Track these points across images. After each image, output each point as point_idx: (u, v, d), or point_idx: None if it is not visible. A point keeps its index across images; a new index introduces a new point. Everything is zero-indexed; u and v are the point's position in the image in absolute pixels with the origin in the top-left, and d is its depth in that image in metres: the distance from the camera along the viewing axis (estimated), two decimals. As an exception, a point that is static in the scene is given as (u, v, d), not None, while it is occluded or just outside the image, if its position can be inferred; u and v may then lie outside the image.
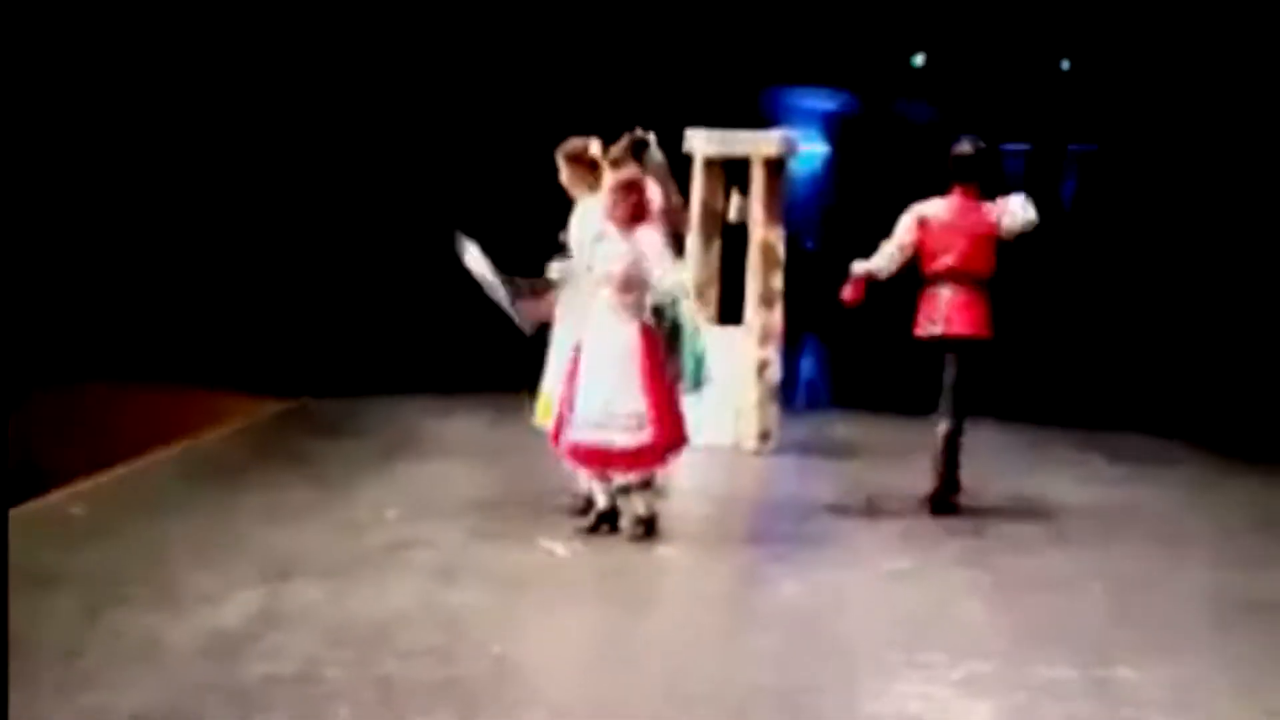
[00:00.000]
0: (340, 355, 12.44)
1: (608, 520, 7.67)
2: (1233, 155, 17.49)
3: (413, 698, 5.41)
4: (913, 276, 8.52)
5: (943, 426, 8.46)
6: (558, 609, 6.59)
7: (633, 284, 7.45)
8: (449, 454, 9.59)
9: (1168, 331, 15.40)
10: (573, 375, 7.48)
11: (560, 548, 7.38)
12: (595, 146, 7.96)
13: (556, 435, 7.55)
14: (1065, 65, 19.55)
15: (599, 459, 7.50)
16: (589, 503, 7.78)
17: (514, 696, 5.54)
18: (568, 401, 7.48)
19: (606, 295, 7.47)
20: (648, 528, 7.60)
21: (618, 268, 7.42)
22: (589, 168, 7.92)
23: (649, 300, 7.58)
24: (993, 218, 8.39)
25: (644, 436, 7.43)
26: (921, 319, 8.48)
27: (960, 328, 8.37)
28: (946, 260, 8.39)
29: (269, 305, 13.17)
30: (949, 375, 8.45)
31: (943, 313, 8.39)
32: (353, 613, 6.28)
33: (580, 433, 7.44)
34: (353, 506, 8.10)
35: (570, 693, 5.70)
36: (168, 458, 9.27)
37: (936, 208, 8.47)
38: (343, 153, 14.72)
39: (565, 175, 7.99)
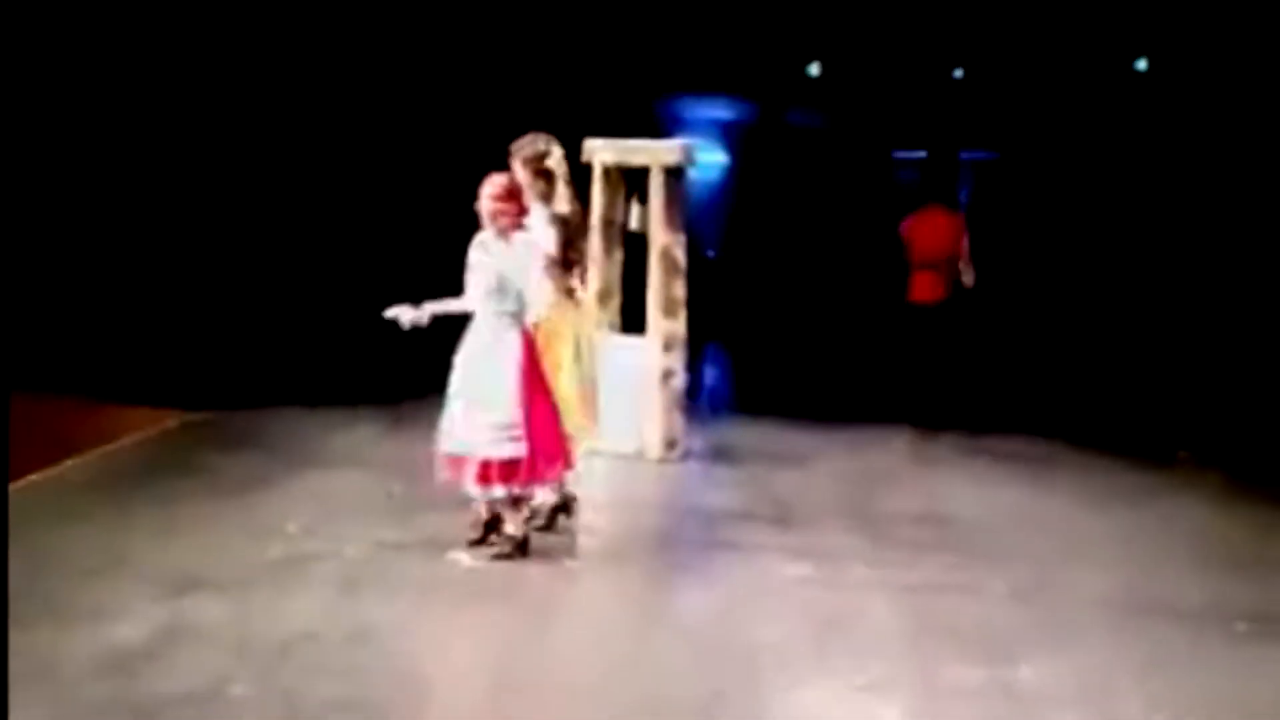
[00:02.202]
0: (240, 369, 12.27)
1: (492, 530, 7.51)
2: (1120, 161, 17.81)
3: (319, 713, 5.34)
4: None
5: (933, 367, 11.91)
6: (464, 621, 6.54)
7: (509, 292, 7.31)
8: (352, 465, 9.48)
9: (1050, 334, 15.66)
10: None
11: (466, 558, 7.31)
12: (556, 154, 7.92)
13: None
14: (958, 74, 19.77)
15: (472, 471, 7.26)
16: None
17: (421, 710, 5.49)
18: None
19: (484, 304, 7.30)
20: (514, 549, 7.37)
21: (493, 277, 7.27)
22: (546, 176, 7.88)
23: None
24: (958, 221, 12.19)
25: (516, 449, 7.23)
26: (915, 291, 12.03)
27: (938, 295, 11.97)
28: (927, 252, 11.94)
29: (169, 318, 12.94)
30: (932, 332, 11.93)
31: (929, 285, 11.93)
32: (256, 627, 6.19)
33: (450, 444, 7.28)
34: (255, 519, 7.98)
35: (478, 705, 5.67)
36: (64, 471, 9.07)
37: (919, 217, 12.15)
38: (245, 170, 14.52)
39: (521, 180, 7.75)
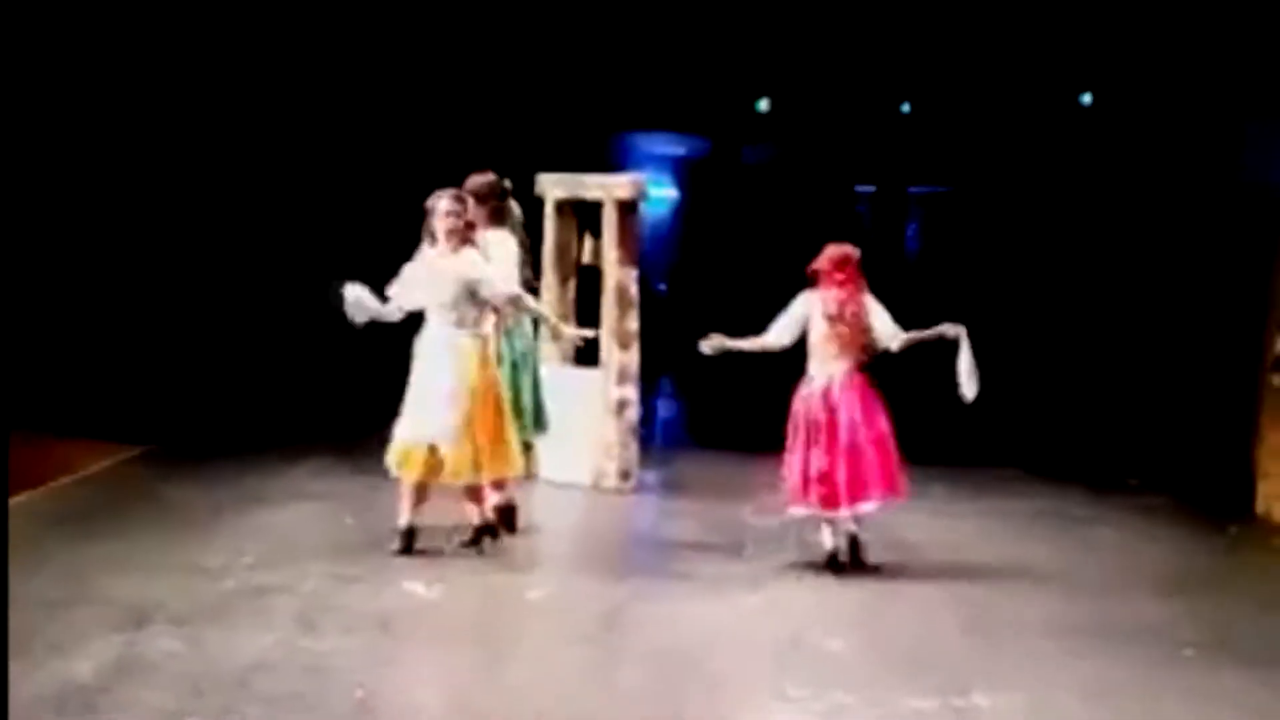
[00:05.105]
0: (193, 403, 12.23)
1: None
2: (1067, 194, 18.01)
3: (277, 744, 5.34)
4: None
5: None
6: (422, 651, 6.54)
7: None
8: (305, 499, 9.46)
9: (1003, 363, 15.77)
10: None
11: (423, 589, 7.32)
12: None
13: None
14: (905, 108, 19.94)
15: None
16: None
17: (380, 741, 5.49)
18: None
19: None
20: None
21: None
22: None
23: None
24: None
25: None
26: None
27: None
28: None
29: (121, 352, 12.87)
30: None
31: None
32: (212, 661, 6.17)
33: None
34: (208, 553, 7.94)
35: (437, 735, 5.67)
36: (15, 506, 8.98)
37: None
38: (191, 202, 14.48)
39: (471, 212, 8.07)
